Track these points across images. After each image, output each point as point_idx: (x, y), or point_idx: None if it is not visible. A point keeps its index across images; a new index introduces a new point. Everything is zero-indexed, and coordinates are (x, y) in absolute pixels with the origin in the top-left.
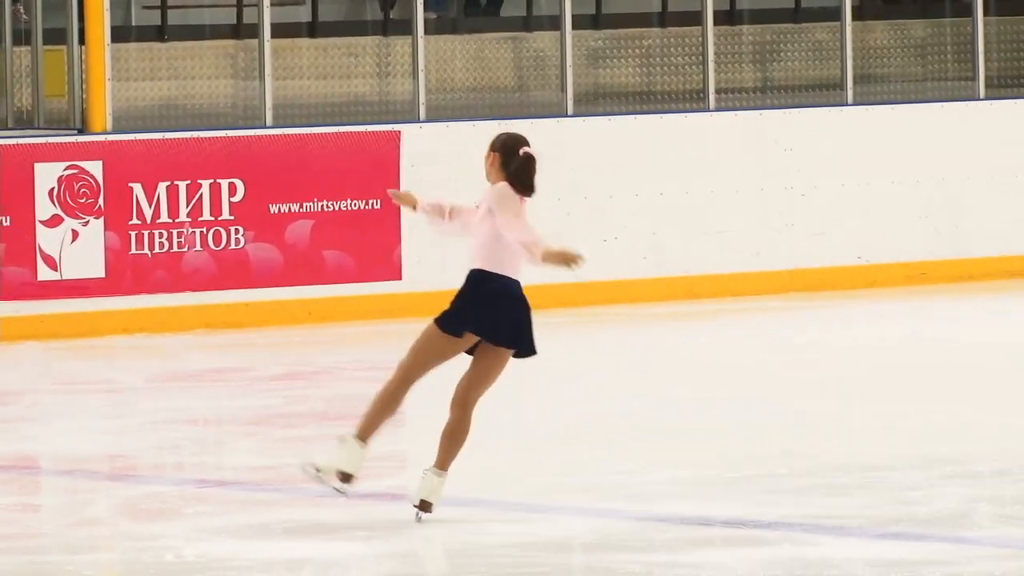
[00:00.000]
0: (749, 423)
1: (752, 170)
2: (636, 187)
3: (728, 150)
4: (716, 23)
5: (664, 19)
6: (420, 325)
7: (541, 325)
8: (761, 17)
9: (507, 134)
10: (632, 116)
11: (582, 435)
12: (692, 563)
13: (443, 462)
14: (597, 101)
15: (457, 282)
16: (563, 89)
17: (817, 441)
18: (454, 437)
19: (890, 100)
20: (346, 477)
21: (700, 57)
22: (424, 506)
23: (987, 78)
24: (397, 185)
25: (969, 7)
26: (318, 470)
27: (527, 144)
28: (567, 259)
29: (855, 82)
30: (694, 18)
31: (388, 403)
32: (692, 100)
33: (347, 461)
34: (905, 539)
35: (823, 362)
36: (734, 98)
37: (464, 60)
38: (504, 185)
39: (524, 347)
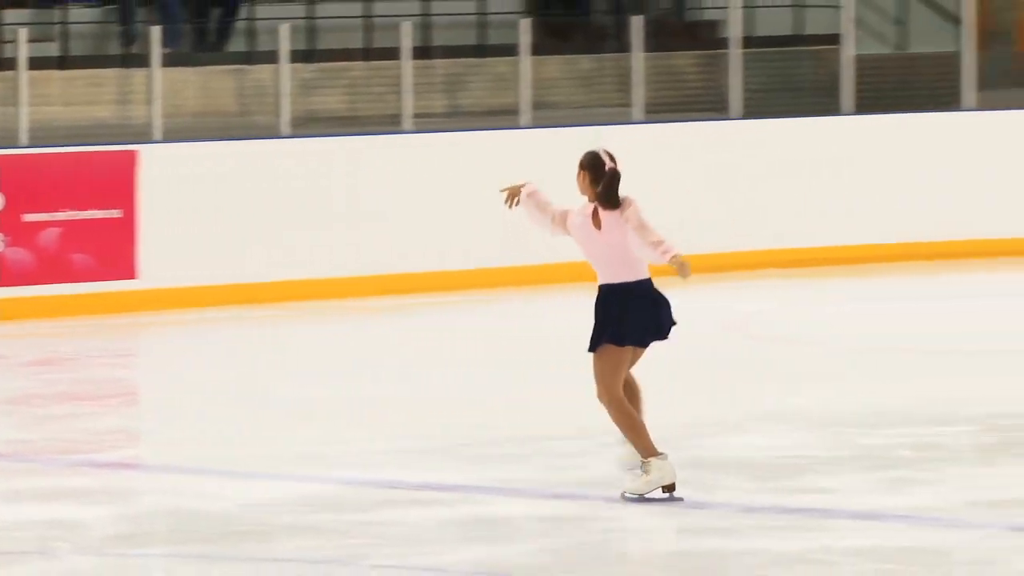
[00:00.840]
0: (445, 400)
1: (441, 185)
2: (342, 200)
3: (420, 168)
4: (413, 57)
5: (368, 54)
6: (153, 317)
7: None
8: (451, 52)
9: (593, 154)
10: (339, 137)
11: (320, 411)
12: (382, 521)
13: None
14: (309, 125)
15: (189, 278)
16: (279, 114)
17: (498, 416)
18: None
19: (560, 124)
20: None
21: (398, 86)
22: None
23: (646, 104)
24: (134, 198)
25: (628, 44)
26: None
27: (613, 160)
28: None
29: (532, 108)
30: (393, 53)
31: (633, 418)
32: (391, 124)
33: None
34: (568, 499)
35: (515, 350)
36: (427, 122)
37: (194, 89)
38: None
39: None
